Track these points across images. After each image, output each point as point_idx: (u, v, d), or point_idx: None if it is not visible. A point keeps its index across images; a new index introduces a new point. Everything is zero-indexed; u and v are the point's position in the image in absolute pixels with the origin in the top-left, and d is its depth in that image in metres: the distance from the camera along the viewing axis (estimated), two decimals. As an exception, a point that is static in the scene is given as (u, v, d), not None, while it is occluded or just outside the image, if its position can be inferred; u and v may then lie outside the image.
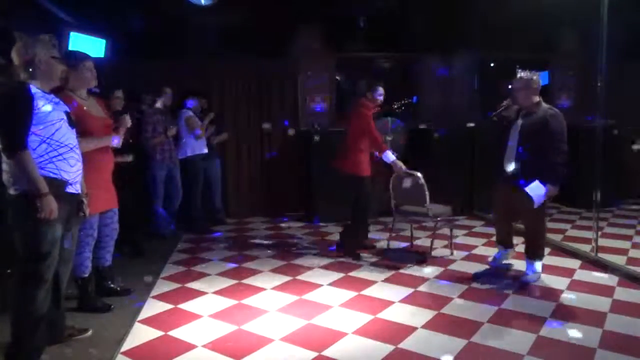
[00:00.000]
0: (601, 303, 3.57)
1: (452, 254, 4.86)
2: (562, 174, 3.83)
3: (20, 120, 2.52)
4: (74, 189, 2.79)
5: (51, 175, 2.62)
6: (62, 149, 2.68)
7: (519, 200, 3.93)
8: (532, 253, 4.12)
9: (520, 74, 4.04)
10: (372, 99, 4.87)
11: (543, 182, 3.81)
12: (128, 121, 3.53)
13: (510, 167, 4.02)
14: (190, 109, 5.78)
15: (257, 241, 5.55)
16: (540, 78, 4.04)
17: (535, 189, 3.82)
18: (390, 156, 4.78)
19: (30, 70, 2.64)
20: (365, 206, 4.91)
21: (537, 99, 3.98)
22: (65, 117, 2.75)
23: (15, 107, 2.54)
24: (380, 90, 4.86)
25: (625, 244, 5.13)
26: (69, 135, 2.74)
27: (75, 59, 3.29)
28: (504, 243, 4.39)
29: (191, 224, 5.86)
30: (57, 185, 2.65)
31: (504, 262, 4.44)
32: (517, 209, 4.09)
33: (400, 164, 4.77)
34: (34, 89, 2.61)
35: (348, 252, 4.87)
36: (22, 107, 2.54)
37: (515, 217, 4.31)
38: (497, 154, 4.15)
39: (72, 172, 2.74)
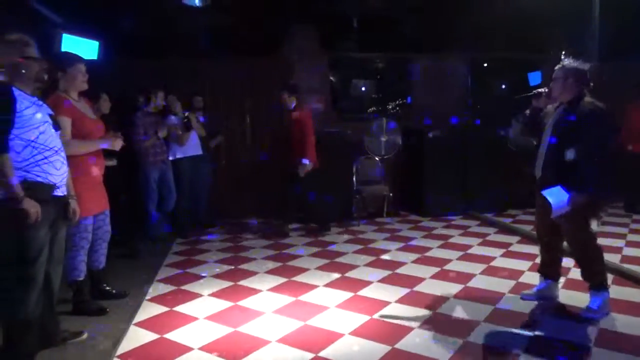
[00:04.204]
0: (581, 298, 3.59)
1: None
2: (594, 183, 3.09)
3: (1, 123, 2.46)
4: (60, 192, 2.78)
5: (38, 179, 2.59)
6: (48, 152, 2.64)
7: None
8: (589, 279, 3.38)
9: (564, 61, 3.31)
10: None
11: (567, 188, 3.13)
12: (120, 143, 3.47)
13: (539, 172, 3.41)
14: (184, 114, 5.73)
15: (252, 243, 5.54)
16: (588, 69, 3.27)
17: (555, 194, 3.16)
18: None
19: (7, 72, 2.58)
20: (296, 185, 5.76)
21: (578, 93, 3.24)
22: (49, 120, 2.72)
23: None
24: None
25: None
26: (54, 138, 2.71)
27: (65, 61, 3.28)
28: (545, 273, 3.64)
29: (175, 225, 5.84)
30: (45, 190, 2.63)
31: (547, 294, 3.62)
32: (558, 225, 3.35)
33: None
34: (16, 91, 2.56)
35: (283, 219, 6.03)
36: (3, 109, 2.46)
37: (559, 237, 3.50)
38: (533, 159, 3.50)
39: (58, 175, 2.72)
